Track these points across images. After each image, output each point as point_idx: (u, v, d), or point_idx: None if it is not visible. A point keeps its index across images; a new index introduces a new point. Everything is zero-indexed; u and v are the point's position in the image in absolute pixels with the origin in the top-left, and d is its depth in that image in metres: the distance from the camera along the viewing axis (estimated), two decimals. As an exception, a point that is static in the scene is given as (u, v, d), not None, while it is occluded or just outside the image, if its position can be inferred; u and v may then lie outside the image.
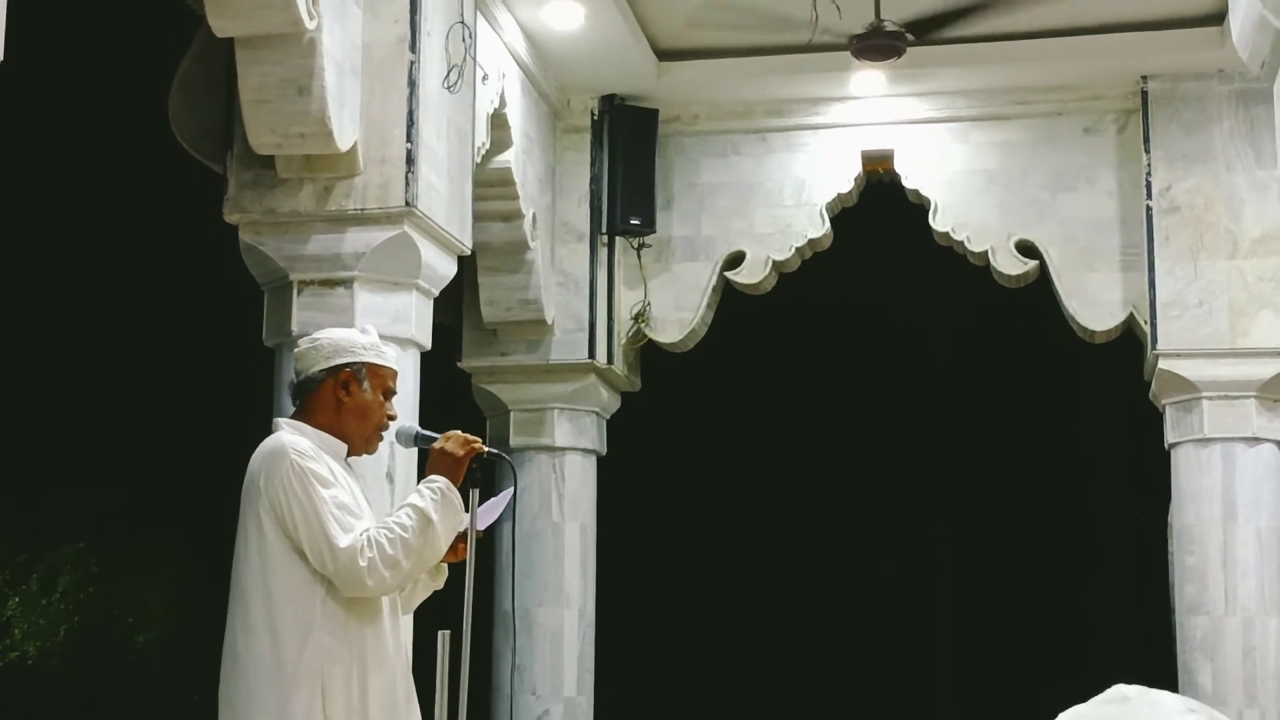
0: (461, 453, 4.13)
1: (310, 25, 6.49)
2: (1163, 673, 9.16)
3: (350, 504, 4.03)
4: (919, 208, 9.77)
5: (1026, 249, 9.52)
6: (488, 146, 8.23)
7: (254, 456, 4.08)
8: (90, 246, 13.04)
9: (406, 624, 4.93)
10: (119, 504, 13.02)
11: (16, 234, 11.74)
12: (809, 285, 10.43)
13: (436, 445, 4.16)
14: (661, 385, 10.68)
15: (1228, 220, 9.06)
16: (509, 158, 8.71)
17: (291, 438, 4.07)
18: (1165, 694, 2.37)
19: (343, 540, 3.93)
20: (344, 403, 4.15)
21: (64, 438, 12.83)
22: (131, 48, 10.64)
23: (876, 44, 8.81)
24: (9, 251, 11.24)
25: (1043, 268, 9.50)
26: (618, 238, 9.79)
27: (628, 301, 9.87)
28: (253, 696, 3.94)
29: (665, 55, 9.51)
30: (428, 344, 7.27)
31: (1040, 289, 9.63)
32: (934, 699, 16.31)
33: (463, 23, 7.43)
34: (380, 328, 4.71)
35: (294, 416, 4.19)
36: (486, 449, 4.19)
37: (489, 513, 4.28)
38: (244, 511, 4.04)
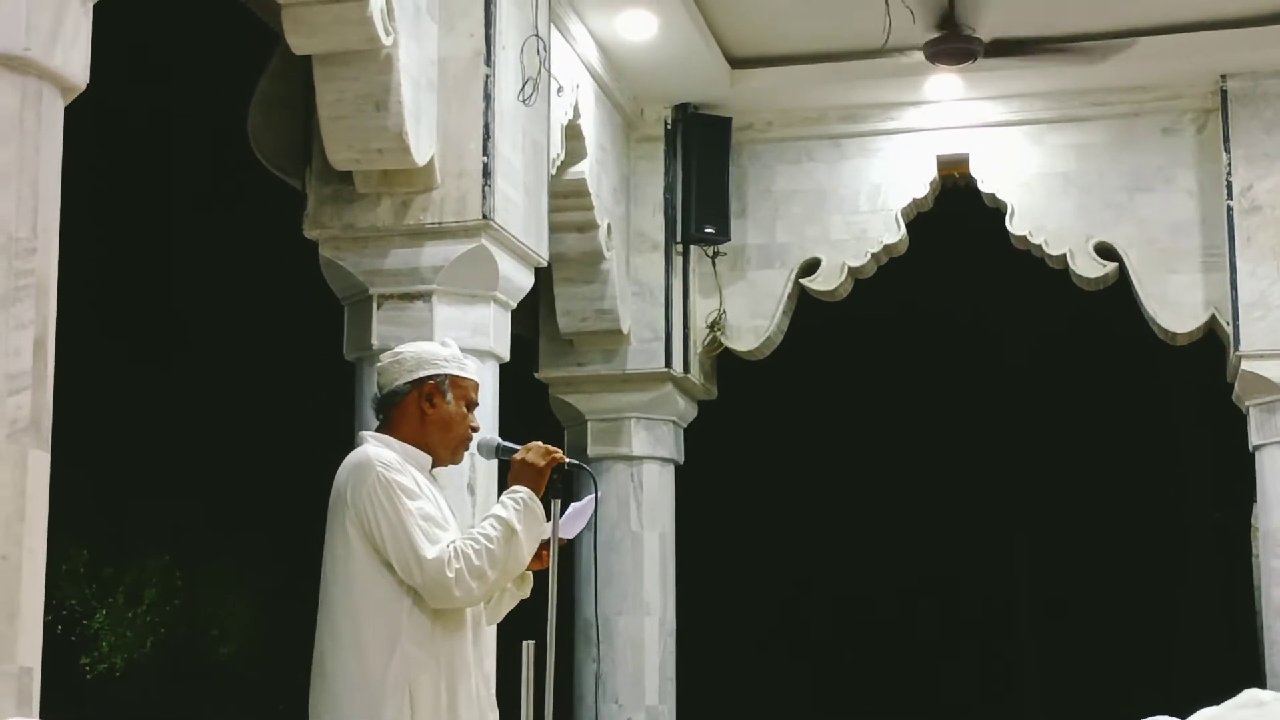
0: (543, 463, 4.15)
1: (387, 41, 6.55)
2: (1249, 675, 9.05)
3: (436, 516, 4.05)
4: (996, 212, 9.71)
5: (1105, 251, 9.44)
6: (563, 158, 8.27)
7: (340, 470, 4.12)
8: (173, 260, 13.21)
9: (490, 634, 4.95)
10: (203, 517, 13.16)
11: (100, 248, 11.89)
12: (885, 291, 10.39)
13: (518, 456, 4.19)
14: (738, 393, 10.68)
15: (1311, 220, 8.96)
16: (584, 169, 8.74)
17: (377, 450, 4.10)
18: None
19: (430, 552, 3.96)
20: (428, 415, 4.17)
21: (148, 449, 12.99)
22: (212, 66, 10.78)
23: (951, 48, 8.79)
24: (92, 264, 11.38)
25: (1122, 270, 9.42)
26: (693, 246, 9.81)
27: (703, 310, 9.88)
28: (340, 709, 3.97)
29: (738, 63, 9.51)
30: (506, 355, 7.32)
31: (1120, 291, 9.55)
32: (1019, 701, 16.19)
33: (537, 35, 7.47)
34: (459, 340, 4.74)
35: (378, 430, 4.22)
36: (567, 460, 4.21)
37: (575, 520, 4.30)
38: (330, 525, 4.07)
